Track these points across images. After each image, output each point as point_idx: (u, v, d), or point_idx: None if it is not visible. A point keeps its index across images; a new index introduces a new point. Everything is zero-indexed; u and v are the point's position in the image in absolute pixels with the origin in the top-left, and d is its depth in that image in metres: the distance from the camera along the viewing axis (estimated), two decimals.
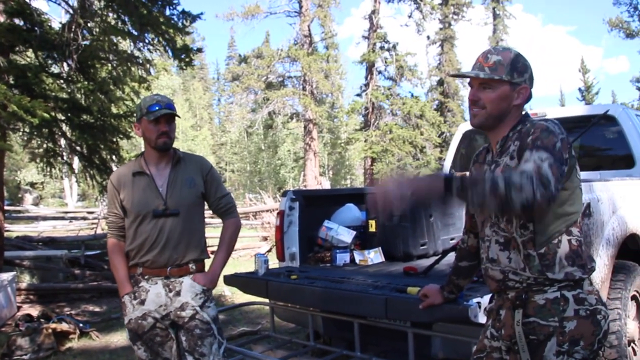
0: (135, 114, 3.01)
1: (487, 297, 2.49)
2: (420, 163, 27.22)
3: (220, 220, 3.03)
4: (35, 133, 7.72)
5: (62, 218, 20.56)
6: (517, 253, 1.86)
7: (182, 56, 8.22)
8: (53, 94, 7.72)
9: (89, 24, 7.68)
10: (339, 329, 3.73)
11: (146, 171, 2.78)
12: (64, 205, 30.40)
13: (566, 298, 1.79)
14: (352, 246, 4.37)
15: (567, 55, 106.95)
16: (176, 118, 2.81)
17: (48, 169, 8.41)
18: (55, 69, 8.42)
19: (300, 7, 28.06)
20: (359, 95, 29.73)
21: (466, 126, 6.21)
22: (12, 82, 7.07)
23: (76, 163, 11.32)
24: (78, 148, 8.26)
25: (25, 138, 8.42)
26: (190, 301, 2.75)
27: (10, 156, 22.47)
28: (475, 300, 2.58)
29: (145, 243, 2.73)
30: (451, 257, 2.54)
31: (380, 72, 28.85)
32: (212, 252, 2.91)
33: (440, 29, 32.09)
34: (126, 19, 7.83)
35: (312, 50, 28.20)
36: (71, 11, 7.68)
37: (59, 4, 8.04)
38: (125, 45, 9.21)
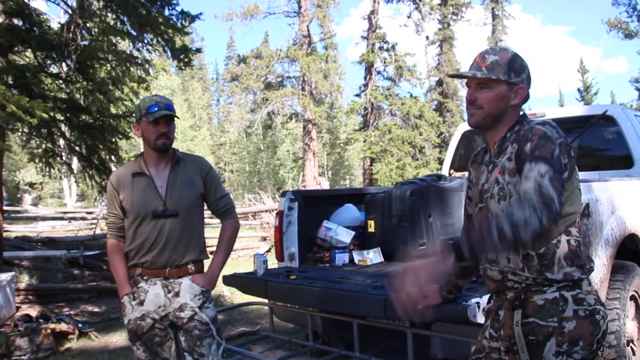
0: (134, 115, 3.00)
1: (486, 297, 2.49)
2: (419, 163, 27.20)
3: (219, 221, 3.03)
4: (34, 133, 7.72)
5: (61, 218, 20.53)
6: (516, 253, 1.86)
7: (181, 56, 8.22)
8: (52, 94, 7.72)
9: (87, 24, 7.68)
10: (338, 329, 3.73)
11: (145, 172, 2.78)
12: (63, 206, 30.37)
13: (565, 298, 1.79)
14: (351, 246, 4.37)
15: (566, 56, 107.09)
16: (175, 119, 2.81)
17: (47, 169, 8.41)
18: (54, 69, 8.42)
19: (299, 7, 28.05)
20: (358, 95, 29.71)
21: (465, 126, 6.21)
22: (11, 82, 7.07)
23: (75, 163, 11.32)
24: (77, 148, 8.26)
25: (24, 138, 8.41)
26: (189, 302, 2.75)
27: (9, 156, 22.46)
28: (474, 300, 2.58)
29: (144, 244, 2.73)
30: None
31: (379, 73, 28.84)
32: (211, 253, 2.91)
33: (439, 29, 32.09)
34: (125, 19, 7.83)
35: (311, 51, 28.18)
36: (70, 11, 7.67)
37: (58, 4, 8.04)
38: (124, 45, 9.21)
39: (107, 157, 8.35)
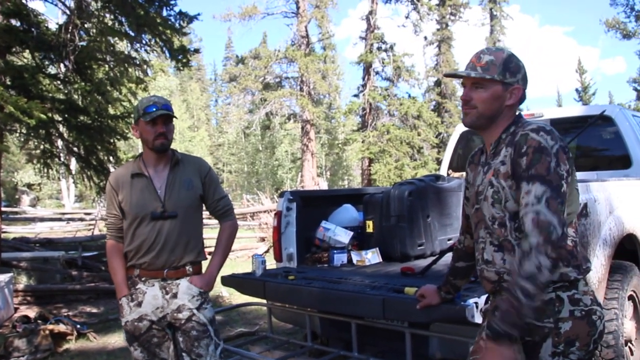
0: (132, 116, 3.00)
1: (484, 298, 2.49)
2: (417, 164, 27.20)
3: (217, 221, 3.03)
4: (32, 134, 7.72)
5: (60, 219, 20.52)
6: (510, 255, 1.86)
7: (179, 57, 8.23)
8: (50, 95, 7.72)
9: (86, 25, 7.68)
10: (337, 329, 3.73)
11: (145, 173, 2.77)
12: (61, 207, 30.34)
13: (561, 299, 1.79)
14: (350, 247, 4.37)
15: (564, 56, 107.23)
16: (174, 119, 2.81)
17: (45, 170, 8.42)
18: (52, 70, 8.43)
19: (298, 8, 28.05)
20: (356, 96, 29.69)
21: (463, 127, 6.21)
22: (8, 83, 7.08)
23: (73, 164, 11.31)
24: (75, 149, 8.26)
25: (23, 139, 8.41)
26: (186, 303, 2.74)
27: (8, 157, 22.45)
28: (472, 300, 2.58)
29: (142, 245, 2.72)
30: (448, 257, 2.54)
31: (377, 73, 28.83)
32: (209, 254, 2.91)
33: (438, 29, 32.09)
34: (123, 20, 7.84)
35: (309, 51, 28.17)
36: (68, 12, 7.67)
37: (56, 5, 8.05)
38: (123, 46, 9.21)
39: (106, 157, 8.35)
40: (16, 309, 7.00)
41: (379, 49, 28.36)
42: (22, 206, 28.02)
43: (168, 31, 7.93)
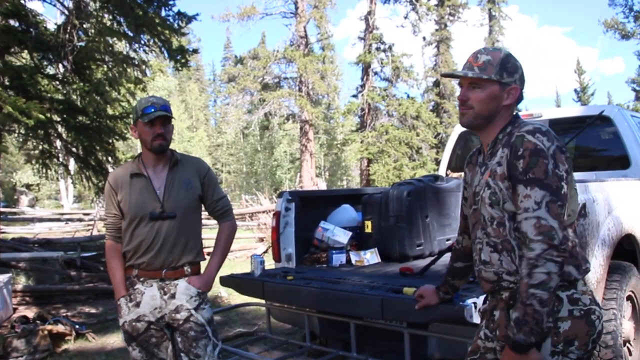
0: (131, 116, 3.00)
1: (482, 298, 2.49)
2: (416, 164, 27.20)
3: (216, 222, 3.03)
4: (31, 134, 7.72)
5: (58, 220, 20.51)
6: (508, 255, 1.86)
7: (178, 57, 8.23)
8: (49, 95, 7.72)
9: (84, 25, 7.67)
10: (335, 329, 3.74)
11: (144, 173, 2.77)
12: (60, 207, 30.35)
13: (560, 298, 1.79)
14: (348, 247, 4.37)
15: (562, 56, 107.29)
16: (173, 120, 2.80)
17: (44, 170, 8.41)
18: (50, 70, 8.43)
19: (296, 8, 28.05)
20: (355, 96, 29.69)
21: (462, 127, 6.21)
22: (7, 83, 7.07)
23: (72, 164, 11.31)
24: (74, 149, 8.26)
25: (21, 139, 8.41)
26: (184, 304, 2.74)
27: (6, 158, 22.43)
28: (470, 300, 2.58)
29: (141, 245, 2.72)
30: (447, 257, 2.54)
31: (376, 73, 28.83)
32: (208, 254, 2.91)
33: (436, 30, 32.09)
34: (122, 20, 7.84)
35: (308, 52, 28.18)
36: (66, 12, 7.67)
37: (54, 5, 8.03)
38: (121, 46, 9.21)
39: (104, 158, 8.35)
40: (15, 310, 6.99)
41: (377, 49, 28.37)
42: (20, 206, 28.02)
43: (167, 31, 7.93)
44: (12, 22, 7.45)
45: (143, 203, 2.72)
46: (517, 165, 1.78)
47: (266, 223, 14.87)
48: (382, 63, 28.45)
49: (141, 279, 2.76)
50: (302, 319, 3.88)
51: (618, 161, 5.12)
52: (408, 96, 28.90)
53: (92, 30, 7.75)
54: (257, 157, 50.15)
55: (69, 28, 7.22)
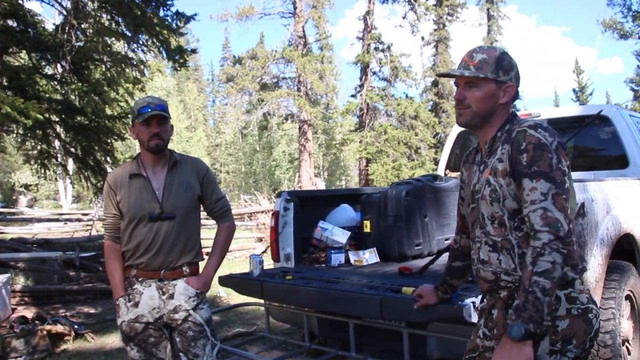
0: (129, 116, 3.01)
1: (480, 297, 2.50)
2: (415, 164, 27.21)
3: (214, 222, 3.03)
4: (29, 135, 7.72)
5: (57, 220, 20.47)
6: (507, 254, 1.86)
7: (176, 57, 8.23)
8: (47, 95, 7.72)
9: (82, 25, 7.67)
10: (334, 329, 3.74)
11: (143, 173, 2.77)
12: (58, 207, 30.33)
13: (558, 297, 1.79)
14: (347, 247, 4.37)
15: (561, 56, 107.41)
16: (172, 120, 2.80)
17: (42, 170, 8.41)
18: (49, 70, 8.43)
19: (295, 8, 28.05)
20: (353, 96, 29.71)
21: (460, 127, 6.21)
22: (5, 83, 7.07)
23: (70, 165, 11.29)
24: (72, 149, 8.26)
25: (20, 140, 8.41)
26: (183, 304, 2.74)
27: (5, 158, 22.42)
28: (469, 300, 2.58)
29: (140, 246, 2.72)
30: (446, 257, 2.54)
31: (374, 73, 28.83)
32: (207, 254, 2.91)
33: (435, 30, 32.10)
34: (120, 20, 7.83)
35: (306, 51, 28.17)
36: (64, 12, 7.66)
37: (53, 6, 8.03)
38: (119, 46, 9.21)
39: (103, 158, 8.35)
40: (14, 310, 6.98)
41: (376, 49, 28.38)
42: (19, 207, 28.00)
43: (165, 31, 7.92)
44: (10, 22, 7.44)
45: (142, 204, 2.72)
46: (521, 159, 1.78)
47: (265, 223, 14.87)
48: (380, 63, 28.46)
49: (140, 279, 2.76)
50: (301, 318, 3.88)
51: (617, 161, 5.12)
52: (407, 96, 28.93)
53: (90, 30, 7.75)
54: (255, 157, 50.12)
55: (67, 28, 7.22)
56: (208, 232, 10.36)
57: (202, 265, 2.90)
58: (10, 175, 32.88)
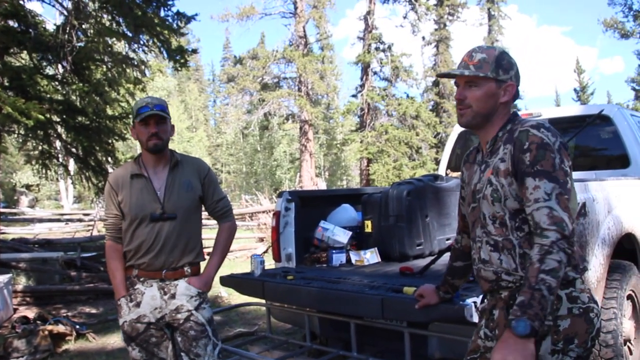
0: (130, 116, 3.01)
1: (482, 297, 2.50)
2: (416, 164, 27.20)
3: (216, 222, 3.03)
4: (31, 135, 7.72)
5: (58, 220, 20.50)
6: (508, 254, 1.86)
7: (177, 57, 8.22)
8: (48, 95, 7.72)
9: (83, 26, 7.67)
10: (336, 329, 3.73)
11: (144, 174, 2.77)
12: (59, 208, 30.35)
13: (559, 296, 1.79)
14: (348, 247, 4.37)
15: (562, 56, 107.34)
16: (173, 120, 2.80)
17: (43, 171, 8.41)
18: (50, 71, 8.43)
19: (295, 8, 28.04)
20: (354, 96, 29.68)
21: (461, 127, 6.20)
22: (6, 84, 7.07)
23: (72, 165, 11.30)
24: (73, 150, 8.26)
25: (21, 140, 8.42)
26: (185, 303, 2.75)
27: (6, 158, 22.43)
28: (470, 300, 2.58)
29: (141, 246, 2.72)
30: (447, 257, 2.54)
31: (375, 73, 28.82)
32: (208, 254, 2.91)
33: (436, 29, 32.09)
34: (121, 21, 7.83)
35: (307, 52, 28.17)
36: (65, 13, 7.66)
37: (53, 6, 8.03)
38: (120, 46, 9.21)
39: (104, 158, 8.35)
40: (15, 310, 6.99)
41: (377, 49, 28.37)
42: (20, 207, 28.01)
43: (166, 32, 7.92)
44: (11, 22, 7.44)
45: (143, 204, 2.72)
46: (524, 158, 1.78)
47: (266, 223, 14.87)
48: (381, 63, 28.45)
49: (141, 279, 2.76)
50: (303, 318, 3.88)
51: (618, 160, 5.11)
52: (407, 96, 28.92)
53: (91, 31, 7.75)
54: (256, 157, 50.13)
55: (68, 28, 7.22)
56: (209, 232, 10.37)
57: (203, 265, 2.91)
58: (11, 175, 32.89)
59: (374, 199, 4.45)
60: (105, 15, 7.91)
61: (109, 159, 8.36)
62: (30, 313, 6.52)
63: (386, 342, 3.52)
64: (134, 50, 8.53)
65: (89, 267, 9.44)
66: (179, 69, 8.64)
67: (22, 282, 8.25)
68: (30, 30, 7.33)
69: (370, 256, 4.25)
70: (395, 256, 4.26)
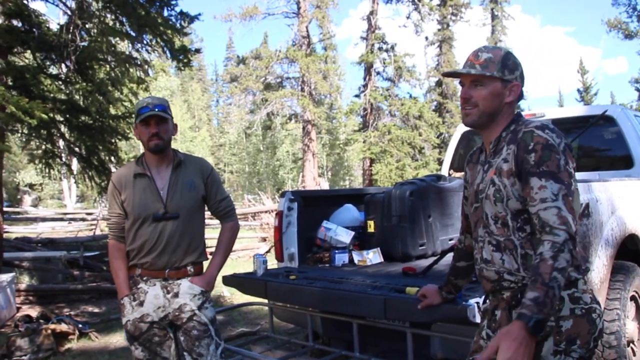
0: (133, 116, 3.01)
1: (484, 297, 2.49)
2: (418, 164, 27.19)
3: (218, 222, 3.03)
4: (34, 134, 7.73)
5: (61, 219, 20.54)
6: (510, 254, 1.86)
7: (180, 57, 8.23)
8: (51, 95, 7.73)
9: (87, 25, 7.68)
10: (338, 329, 3.73)
11: (147, 173, 2.78)
12: (62, 207, 30.36)
13: (561, 297, 1.78)
14: (351, 247, 4.37)
15: (565, 56, 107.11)
16: (176, 119, 2.80)
17: (47, 170, 8.42)
18: (53, 70, 8.43)
19: (298, 8, 28.05)
20: (357, 96, 29.68)
21: (465, 127, 6.19)
22: (10, 83, 7.08)
23: (75, 164, 11.32)
24: (77, 149, 8.27)
25: (24, 139, 8.43)
26: (188, 302, 2.75)
27: (9, 157, 22.47)
28: (473, 300, 2.58)
29: (144, 246, 2.73)
30: (450, 257, 2.54)
31: (378, 73, 28.81)
32: (211, 254, 2.91)
33: (439, 29, 32.07)
34: (124, 20, 7.84)
35: (310, 51, 28.18)
36: (69, 12, 7.68)
37: (57, 6, 8.05)
38: (124, 46, 9.22)
39: (107, 158, 8.36)
40: (18, 309, 7.01)
41: (380, 49, 28.35)
42: (24, 206, 28.05)
43: (169, 31, 7.93)
44: (15, 22, 7.46)
45: (146, 203, 2.72)
46: (529, 158, 1.78)
47: (269, 223, 14.89)
48: (384, 63, 28.43)
49: (144, 278, 2.77)
50: (305, 318, 3.88)
51: (621, 161, 5.10)
52: (410, 96, 28.88)
53: (95, 30, 7.76)
54: (259, 157, 50.15)
55: (71, 28, 7.23)
56: (212, 231, 10.38)
57: (206, 264, 2.91)
58: (14, 174, 32.95)
59: (376, 199, 4.45)
60: (108, 15, 7.92)
61: (112, 158, 8.37)
62: (33, 312, 6.53)
63: (389, 342, 3.52)
64: (137, 50, 8.54)
65: (91, 266, 9.46)
66: (182, 68, 8.66)
67: (25, 281, 8.27)
68: (34, 29, 7.35)
69: (373, 256, 4.25)
70: (397, 256, 4.25)
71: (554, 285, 1.61)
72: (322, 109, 31.76)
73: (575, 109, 5.99)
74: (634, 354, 3.70)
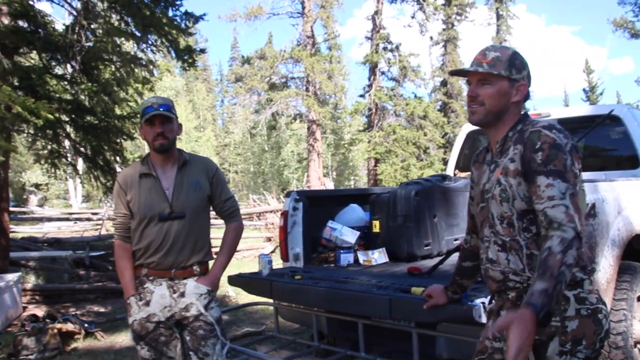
0: (138, 116, 3.02)
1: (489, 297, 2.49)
2: (423, 164, 27.14)
3: (223, 221, 3.04)
4: (40, 134, 7.76)
5: (67, 219, 20.60)
6: (515, 255, 1.86)
7: (185, 57, 8.24)
8: (57, 95, 7.75)
9: (92, 26, 7.70)
10: (343, 329, 3.73)
11: (152, 173, 2.78)
12: (68, 207, 30.49)
13: (567, 297, 1.79)
14: (356, 246, 4.37)
15: (571, 56, 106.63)
16: (181, 119, 2.81)
17: (52, 170, 8.45)
18: (59, 71, 8.47)
19: (303, 8, 28.06)
20: (362, 96, 29.66)
21: (470, 127, 6.19)
22: (16, 83, 7.11)
23: (80, 164, 11.36)
24: (82, 149, 8.29)
25: (30, 139, 8.45)
26: (194, 302, 2.76)
27: (15, 157, 22.55)
28: (479, 300, 2.58)
29: (150, 245, 2.74)
30: (455, 257, 2.54)
31: (383, 73, 28.78)
32: (216, 254, 2.92)
33: (444, 29, 32.01)
34: (129, 20, 7.85)
35: (315, 51, 28.18)
36: (74, 13, 7.70)
37: (63, 6, 8.06)
38: (129, 46, 9.25)
39: (112, 158, 8.38)
40: (25, 308, 7.03)
41: (384, 49, 28.33)
42: (29, 206, 28.19)
43: (174, 31, 7.94)
44: (21, 22, 7.48)
45: (152, 203, 2.73)
46: (536, 157, 1.78)
47: (274, 223, 14.90)
48: (389, 63, 28.40)
49: (150, 278, 2.77)
50: (310, 318, 3.88)
51: (628, 161, 5.08)
52: (415, 96, 28.86)
53: (100, 31, 7.78)
54: (264, 156, 50.18)
55: (77, 28, 7.25)
56: (217, 231, 10.40)
57: (211, 264, 2.91)
58: (20, 174, 33.09)
59: (382, 199, 4.45)
60: (113, 15, 7.94)
61: (118, 158, 8.39)
62: (40, 311, 6.56)
63: (394, 342, 3.52)
64: (142, 50, 8.56)
65: (97, 266, 9.49)
66: (187, 68, 8.67)
67: (31, 280, 8.30)
68: (40, 30, 7.37)
69: (378, 256, 4.25)
70: (403, 256, 4.25)
71: (561, 280, 1.60)
72: (327, 109, 31.74)
73: (581, 109, 5.97)
74: None
